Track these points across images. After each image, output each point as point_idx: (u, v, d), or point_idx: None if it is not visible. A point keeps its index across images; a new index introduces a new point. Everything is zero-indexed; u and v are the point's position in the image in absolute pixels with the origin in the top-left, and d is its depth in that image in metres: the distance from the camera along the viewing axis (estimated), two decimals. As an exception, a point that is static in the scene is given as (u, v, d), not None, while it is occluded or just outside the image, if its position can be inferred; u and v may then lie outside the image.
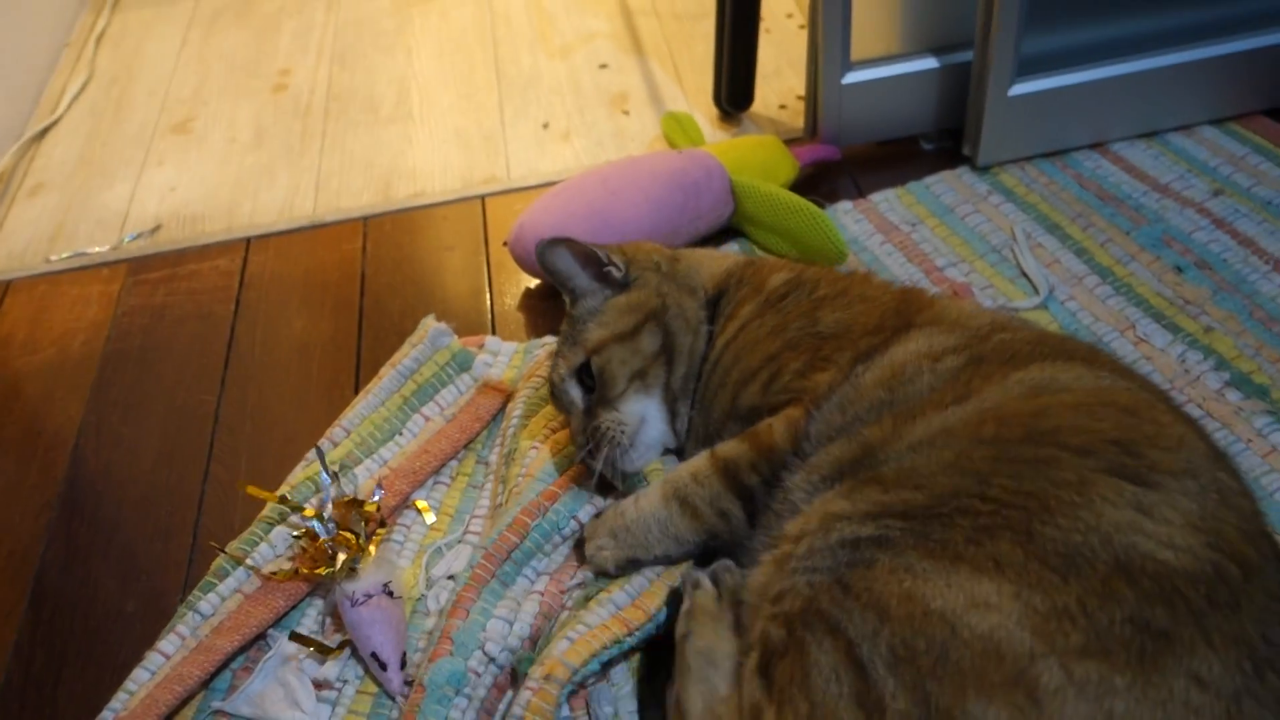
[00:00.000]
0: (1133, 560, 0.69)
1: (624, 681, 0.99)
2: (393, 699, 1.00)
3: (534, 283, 1.49)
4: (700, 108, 1.78)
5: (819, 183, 1.58)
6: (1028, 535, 0.71)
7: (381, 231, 1.64)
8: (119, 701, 1.02)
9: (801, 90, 1.75)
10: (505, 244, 1.47)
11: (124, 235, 1.70)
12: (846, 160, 1.62)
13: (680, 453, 1.10)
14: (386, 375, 1.29)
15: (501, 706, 0.97)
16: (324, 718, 1.00)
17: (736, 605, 0.93)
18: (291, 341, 1.45)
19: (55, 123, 2.01)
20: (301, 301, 1.52)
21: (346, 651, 1.04)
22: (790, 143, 1.60)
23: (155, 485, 1.28)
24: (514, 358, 1.34)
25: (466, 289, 1.50)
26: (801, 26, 1.97)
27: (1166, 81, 1.52)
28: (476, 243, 1.59)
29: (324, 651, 1.03)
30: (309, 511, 1.10)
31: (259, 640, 1.06)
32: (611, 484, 1.06)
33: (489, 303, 1.48)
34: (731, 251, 1.45)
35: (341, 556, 1.05)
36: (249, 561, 1.10)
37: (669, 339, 1.06)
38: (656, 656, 0.99)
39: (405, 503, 1.17)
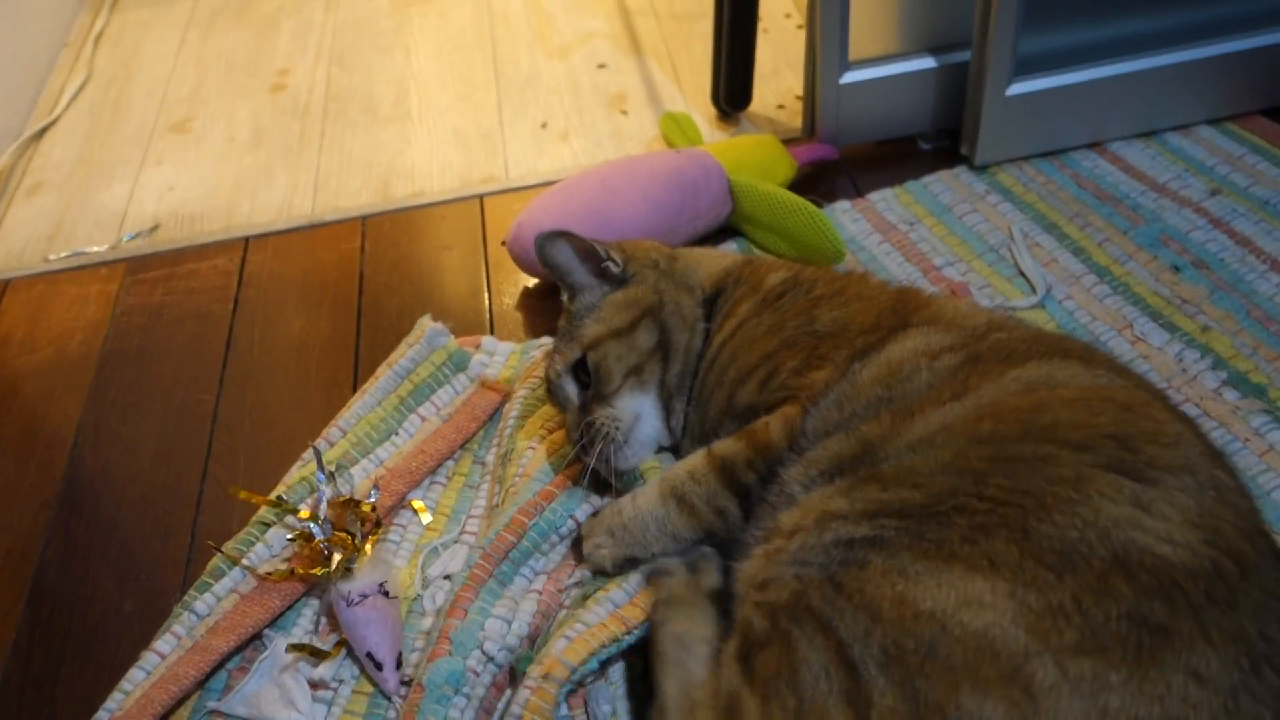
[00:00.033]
0: (1131, 555, 0.69)
1: (622, 680, 0.99)
2: (388, 699, 1.00)
3: (532, 282, 1.49)
4: (698, 107, 1.79)
5: (817, 182, 1.59)
6: (1024, 533, 0.71)
7: (380, 231, 1.64)
8: (114, 702, 1.02)
9: (799, 90, 1.75)
10: (503, 243, 1.47)
11: (122, 235, 1.71)
12: (844, 160, 1.62)
13: (676, 451, 1.10)
14: (383, 375, 1.29)
15: (500, 705, 0.97)
16: (320, 718, 1.00)
17: (717, 595, 0.94)
18: (290, 341, 1.45)
19: (54, 122, 2.01)
20: (300, 301, 1.52)
21: (342, 652, 1.04)
22: (788, 142, 1.60)
23: (153, 484, 1.28)
24: (510, 358, 1.34)
25: (465, 288, 1.51)
26: (799, 26, 1.97)
27: (1164, 81, 1.53)
28: (475, 242, 1.59)
29: (319, 656, 1.03)
30: (304, 513, 1.10)
31: (255, 640, 1.06)
32: (606, 483, 1.06)
33: (487, 302, 1.48)
34: (730, 251, 1.45)
35: (337, 557, 1.05)
36: (245, 562, 1.10)
37: (665, 336, 1.06)
38: (654, 655, 0.99)
39: (401, 503, 1.17)
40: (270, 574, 1.08)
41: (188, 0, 2.36)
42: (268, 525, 1.14)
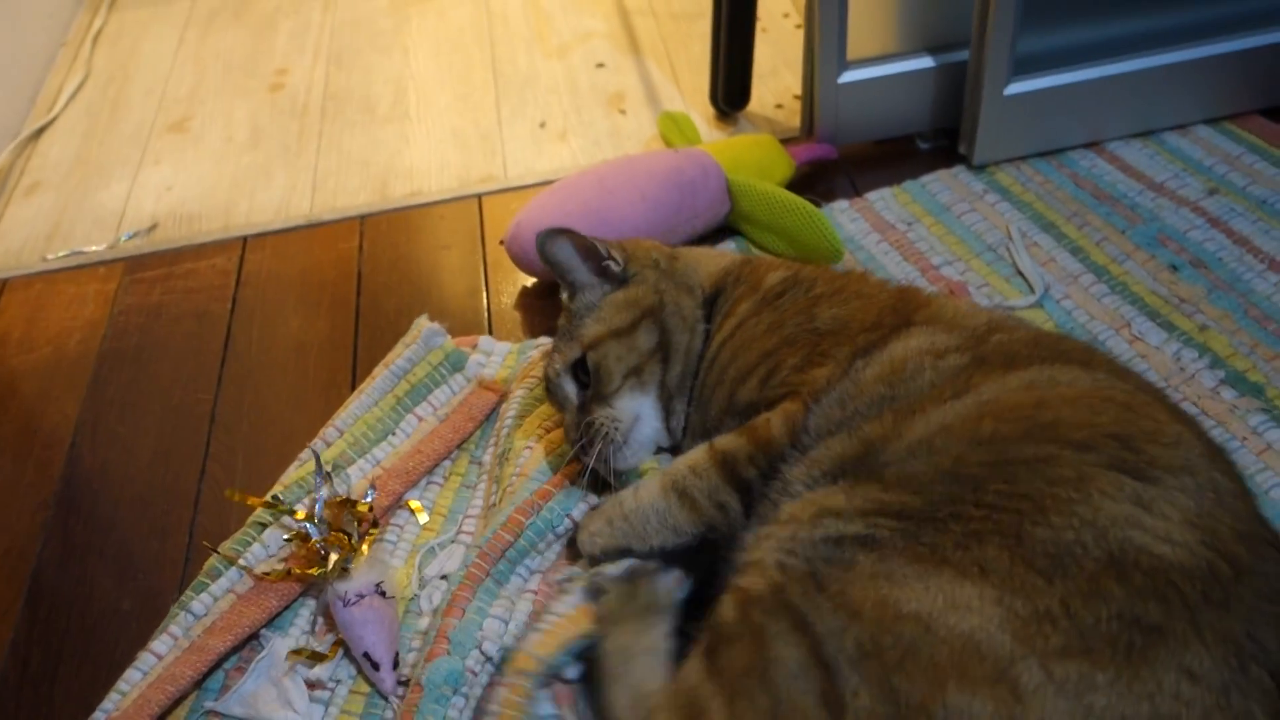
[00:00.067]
0: (1127, 555, 0.69)
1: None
2: (385, 699, 1.00)
3: (530, 282, 1.49)
4: (697, 107, 1.79)
5: (815, 181, 1.59)
6: (1017, 539, 0.71)
7: (378, 231, 1.64)
8: (111, 702, 1.02)
9: (798, 89, 1.75)
10: (502, 243, 1.47)
11: (120, 234, 1.71)
12: (843, 159, 1.62)
13: (676, 451, 1.10)
14: (380, 375, 1.29)
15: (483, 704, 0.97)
16: (317, 718, 1.00)
17: (665, 607, 0.95)
18: (288, 340, 1.45)
19: (52, 122, 2.01)
20: (298, 300, 1.52)
21: (340, 652, 1.04)
22: (787, 142, 1.60)
23: (151, 484, 1.28)
24: (508, 358, 1.34)
25: (463, 288, 1.51)
26: (798, 26, 1.97)
27: (1162, 81, 1.53)
28: (473, 242, 1.59)
29: (317, 659, 1.03)
30: (300, 514, 1.10)
31: (252, 640, 1.06)
32: (605, 483, 1.06)
33: (485, 302, 1.48)
34: (728, 250, 1.46)
35: (333, 557, 1.05)
36: (242, 561, 1.10)
37: (665, 336, 1.06)
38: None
39: (398, 503, 1.17)
40: (267, 574, 1.08)
41: (186, 0, 2.36)
42: (264, 525, 1.14)
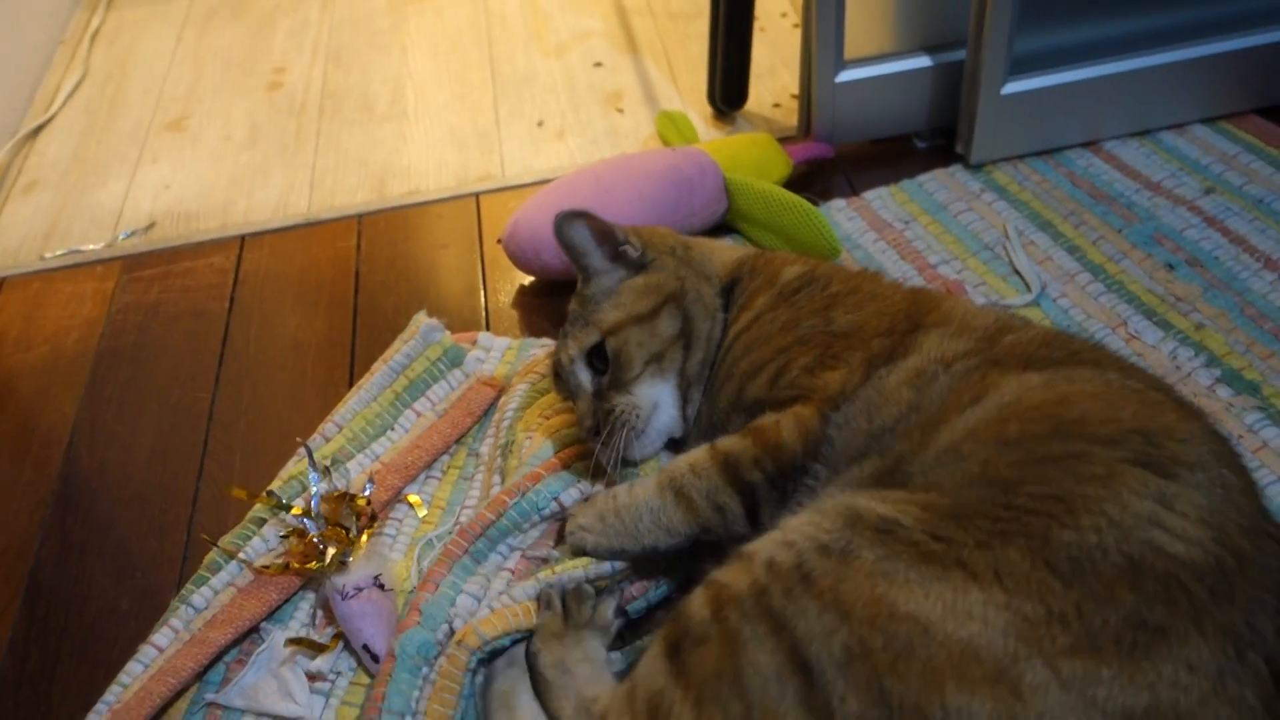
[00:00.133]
0: (1145, 558, 0.70)
1: None
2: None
3: (528, 280, 1.49)
4: (694, 106, 1.79)
5: (813, 180, 1.59)
6: (1044, 539, 0.71)
7: (376, 229, 1.64)
8: (112, 694, 1.02)
9: (795, 89, 1.75)
10: (499, 241, 1.47)
11: (118, 233, 1.71)
12: (840, 158, 1.62)
13: (685, 442, 1.08)
14: (378, 371, 1.29)
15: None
16: (317, 709, 1.00)
17: (592, 627, 0.96)
18: (286, 339, 1.45)
19: (50, 120, 2.01)
20: (296, 299, 1.52)
21: (340, 644, 1.04)
22: (784, 141, 1.60)
23: (149, 482, 1.28)
24: (506, 353, 1.34)
25: (461, 287, 1.51)
26: (795, 25, 1.97)
27: (1158, 80, 1.53)
28: (471, 240, 1.59)
29: (317, 649, 1.03)
30: (297, 510, 1.11)
31: (252, 633, 1.06)
32: (602, 470, 1.05)
33: (483, 300, 1.48)
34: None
35: (331, 551, 1.06)
36: (241, 555, 1.10)
37: (688, 323, 1.05)
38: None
39: (397, 497, 1.17)
40: (267, 568, 1.08)
41: (184, -1, 2.36)
42: (264, 520, 1.14)
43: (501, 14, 2.15)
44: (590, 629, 0.97)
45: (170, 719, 1.01)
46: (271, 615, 1.07)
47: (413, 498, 1.17)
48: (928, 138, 1.64)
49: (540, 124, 1.83)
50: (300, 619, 1.08)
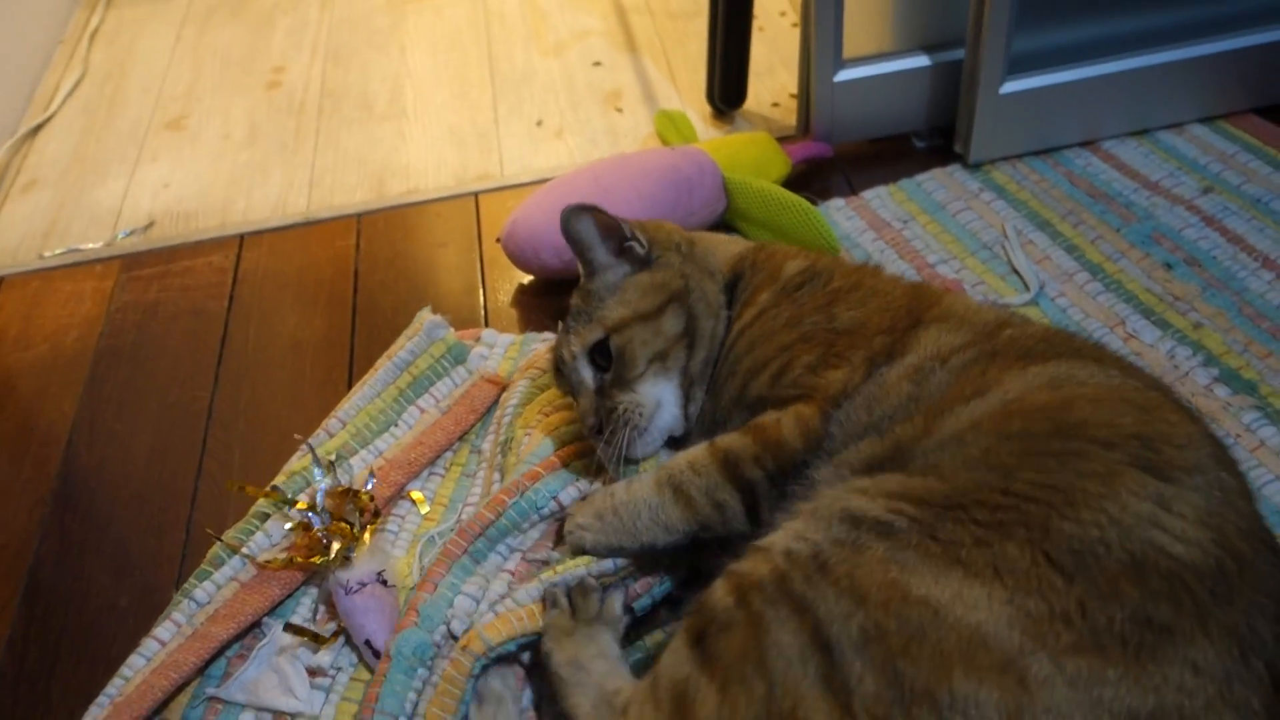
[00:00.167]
0: (1148, 556, 0.70)
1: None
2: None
3: (527, 279, 1.49)
4: (693, 105, 1.79)
5: (811, 180, 1.59)
6: (1044, 531, 0.71)
7: (375, 228, 1.64)
8: (114, 687, 1.03)
9: (794, 88, 1.75)
10: (498, 240, 1.47)
11: (117, 232, 1.71)
12: (839, 157, 1.62)
13: (686, 440, 1.08)
14: (382, 367, 1.30)
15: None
16: (317, 705, 1.00)
17: (602, 622, 0.96)
18: (285, 338, 1.46)
19: (49, 119, 2.01)
20: (295, 298, 1.52)
21: (340, 639, 1.04)
22: (783, 140, 1.61)
23: (148, 481, 1.28)
24: (509, 350, 1.34)
25: (460, 285, 1.51)
26: (794, 24, 1.97)
27: (1157, 80, 1.53)
28: (470, 239, 1.59)
29: (318, 641, 1.04)
30: (301, 504, 1.11)
31: (254, 628, 1.07)
32: (601, 466, 1.05)
33: (482, 299, 1.48)
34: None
35: (335, 545, 1.06)
36: (245, 550, 1.11)
37: (692, 322, 1.04)
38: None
39: (400, 493, 1.17)
40: (270, 562, 1.09)
41: (183, -3, 2.36)
42: (267, 515, 1.14)
43: (500, 13, 2.15)
44: (599, 624, 0.96)
45: (171, 712, 1.01)
46: (273, 610, 1.08)
47: (415, 494, 1.17)
48: (926, 137, 1.64)
49: (539, 123, 1.83)
50: (302, 614, 1.08)
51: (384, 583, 1.04)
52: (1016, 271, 1.38)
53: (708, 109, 1.77)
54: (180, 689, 1.02)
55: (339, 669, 1.03)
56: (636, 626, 1.02)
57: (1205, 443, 0.80)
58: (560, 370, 1.07)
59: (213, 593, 1.09)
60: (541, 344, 1.33)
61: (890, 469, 0.83)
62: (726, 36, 1.65)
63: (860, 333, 0.97)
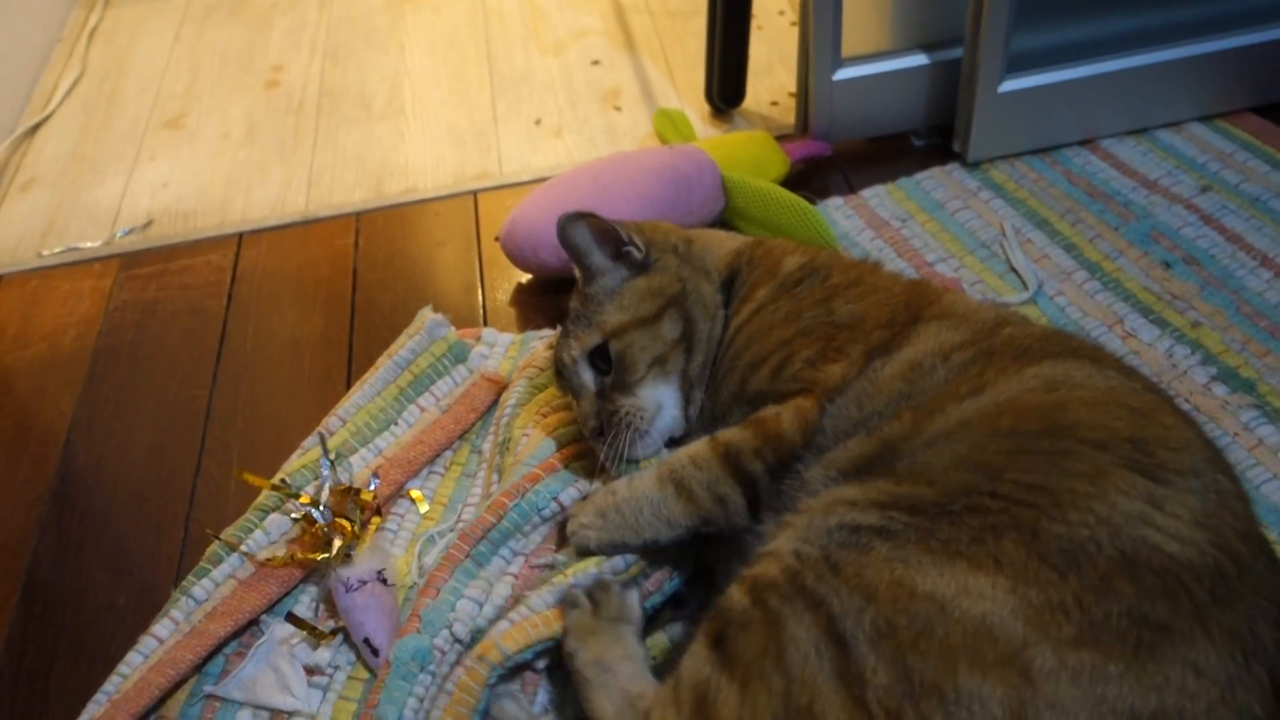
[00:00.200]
0: (1139, 554, 0.70)
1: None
2: (384, 686, 1.01)
3: (525, 278, 1.49)
4: (692, 104, 1.79)
5: (810, 179, 1.59)
6: (1033, 533, 0.71)
7: (374, 227, 1.64)
8: (112, 685, 1.03)
9: (793, 87, 1.75)
10: (497, 239, 1.47)
11: (116, 230, 1.71)
12: (837, 156, 1.62)
13: (686, 438, 1.08)
14: (383, 366, 1.30)
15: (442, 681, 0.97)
16: (315, 703, 1.00)
17: (624, 621, 0.95)
18: (283, 336, 1.46)
19: (47, 118, 2.01)
20: (293, 297, 1.52)
21: (339, 637, 1.05)
22: (781, 139, 1.61)
23: (147, 480, 1.28)
24: (510, 349, 1.34)
25: (458, 284, 1.51)
26: (793, 23, 1.97)
27: (1155, 78, 1.53)
28: (468, 238, 1.59)
29: (317, 636, 1.04)
30: (305, 498, 1.11)
31: (252, 626, 1.07)
32: (601, 466, 1.05)
33: (481, 298, 1.48)
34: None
35: (338, 542, 1.06)
36: (243, 548, 1.11)
37: (690, 326, 1.05)
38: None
39: (400, 492, 1.18)
40: (268, 560, 1.09)
41: (181, -4, 2.36)
42: (267, 512, 1.14)
43: (499, 11, 2.15)
44: (622, 622, 0.96)
45: (169, 710, 1.01)
46: (272, 608, 1.08)
47: (415, 493, 1.18)
48: (925, 136, 1.64)
49: (538, 122, 1.83)
50: (301, 612, 1.08)
51: (384, 581, 1.04)
52: (1015, 270, 1.38)
53: (706, 108, 1.77)
54: (178, 686, 1.02)
55: (337, 667, 1.03)
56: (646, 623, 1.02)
57: (1201, 446, 0.80)
58: (561, 373, 1.07)
59: (211, 590, 1.09)
60: (540, 342, 1.33)
61: (878, 470, 0.84)
62: (725, 35, 1.65)
63: (859, 327, 0.97)
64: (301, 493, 1.13)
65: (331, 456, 1.16)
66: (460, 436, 1.23)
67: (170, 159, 1.86)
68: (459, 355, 1.30)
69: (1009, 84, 1.50)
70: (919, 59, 1.57)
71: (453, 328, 1.33)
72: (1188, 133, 1.56)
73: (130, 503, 1.25)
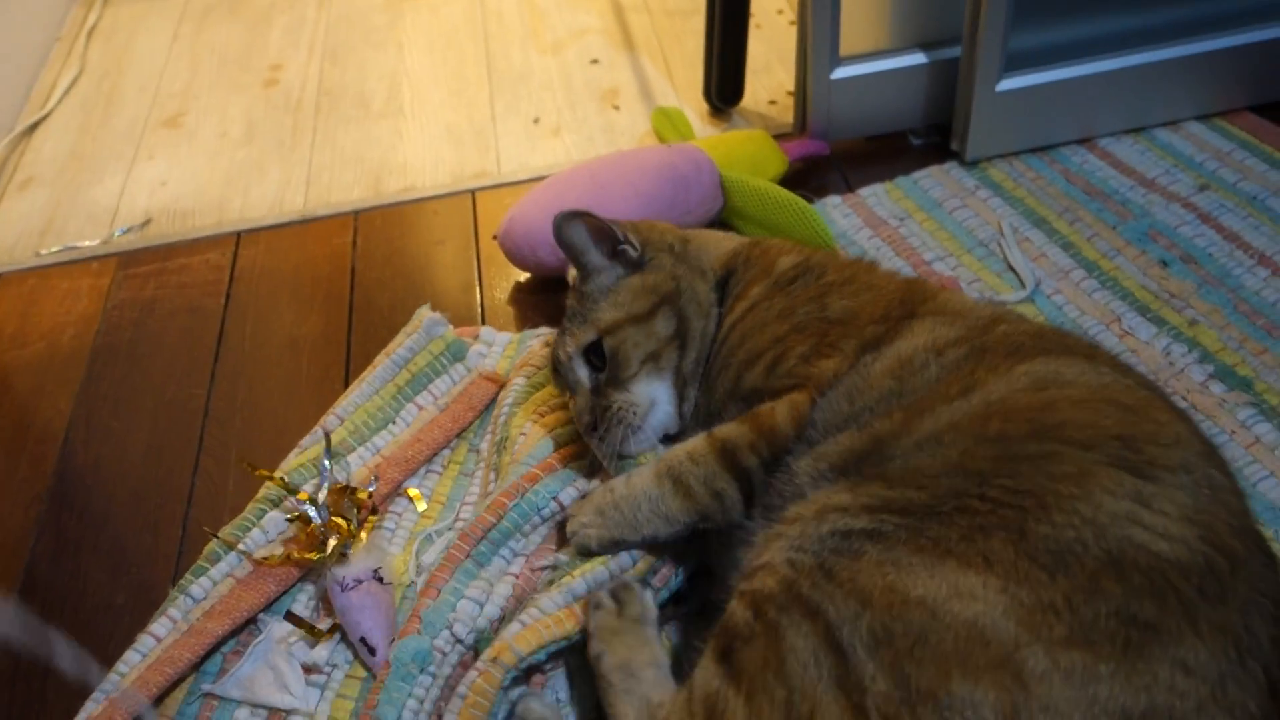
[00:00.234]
0: (1125, 554, 0.70)
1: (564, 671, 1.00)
2: (381, 684, 1.01)
3: (524, 276, 1.49)
4: (690, 103, 1.79)
5: (808, 178, 1.59)
6: (1021, 533, 0.72)
7: (372, 226, 1.64)
8: (110, 683, 1.03)
9: (791, 86, 1.75)
10: (495, 238, 1.47)
11: (114, 229, 1.71)
12: (835, 155, 1.62)
13: (680, 435, 1.08)
14: (381, 364, 1.30)
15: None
16: (313, 701, 1.00)
17: (649, 620, 0.95)
18: (281, 335, 1.46)
19: (46, 117, 2.01)
20: (292, 296, 1.52)
21: (336, 636, 1.05)
22: (779, 138, 1.61)
23: (145, 478, 1.28)
24: (508, 348, 1.34)
25: (457, 283, 1.51)
26: (791, 22, 1.97)
27: (1153, 77, 1.53)
28: (467, 237, 1.59)
29: (314, 635, 1.04)
30: (303, 495, 1.11)
31: (249, 624, 1.07)
32: (600, 467, 1.06)
33: (479, 296, 1.48)
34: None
35: (333, 542, 1.06)
36: (241, 546, 1.11)
37: (683, 324, 1.06)
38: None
39: (397, 490, 1.18)
40: (266, 559, 1.09)
41: (180, -5, 2.36)
42: (264, 510, 1.14)
43: (498, 11, 2.15)
44: (646, 623, 0.96)
45: (167, 709, 1.01)
46: (270, 607, 1.08)
47: (413, 492, 1.18)
48: (923, 134, 1.64)
49: (536, 121, 1.83)
50: (298, 611, 1.08)
51: (380, 580, 1.04)
52: (1012, 269, 1.39)
53: (705, 107, 1.77)
54: (175, 685, 1.02)
55: (334, 666, 1.03)
56: None
57: (1194, 441, 0.80)
58: (557, 370, 1.09)
59: (209, 589, 1.09)
60: (537, 340, 1.33)
61: (868, 466, 0.84)
62: (724, 34, 1.66)
63: (853, 322, 0.97)
64: (300, 489, 1.13)
65: (331, 454, 1.16)
66: (458, 435, 1.23)
67: (169, 158, 1.86)
68: (457, 354, 1.31)
69: (1007, 83, 1.50)
70: (917, 58, 1.57)
71: (451, 326, 1.34)
72: (1185, 131, 1.56)
73: (128, 501, 1.25)
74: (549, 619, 0.96)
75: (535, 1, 2.16)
